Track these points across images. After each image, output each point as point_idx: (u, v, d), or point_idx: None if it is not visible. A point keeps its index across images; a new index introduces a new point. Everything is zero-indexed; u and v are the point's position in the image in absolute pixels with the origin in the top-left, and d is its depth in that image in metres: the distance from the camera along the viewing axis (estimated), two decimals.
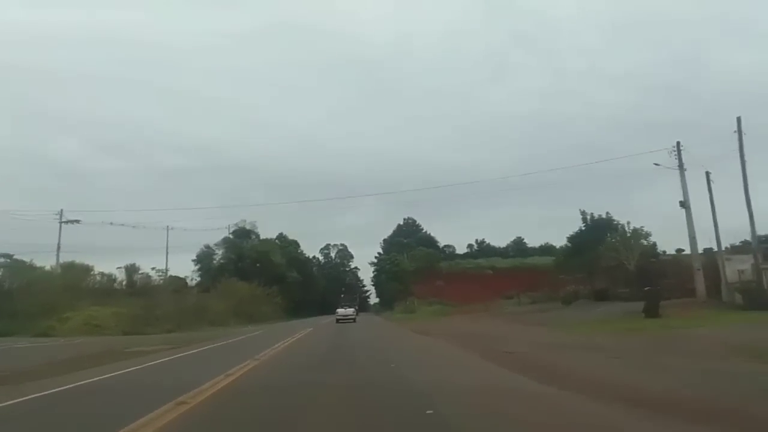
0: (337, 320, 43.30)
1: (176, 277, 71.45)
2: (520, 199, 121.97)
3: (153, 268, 66.39)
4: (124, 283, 61.54)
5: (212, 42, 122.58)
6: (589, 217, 32.98)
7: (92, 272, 55.31)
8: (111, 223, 56.94)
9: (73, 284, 48.87)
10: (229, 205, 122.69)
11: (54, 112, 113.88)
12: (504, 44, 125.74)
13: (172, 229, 71.41)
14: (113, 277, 55.93)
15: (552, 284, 41.33)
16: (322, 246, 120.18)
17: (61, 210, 48.86)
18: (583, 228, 32.53)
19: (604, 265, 28.90)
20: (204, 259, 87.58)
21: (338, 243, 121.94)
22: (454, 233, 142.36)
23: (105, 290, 53.66)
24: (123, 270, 62.35)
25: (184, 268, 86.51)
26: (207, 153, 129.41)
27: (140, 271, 64.75)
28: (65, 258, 54.49)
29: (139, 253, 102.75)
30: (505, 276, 68.28)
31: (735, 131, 25.52)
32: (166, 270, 69.19)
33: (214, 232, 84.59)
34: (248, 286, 66.31)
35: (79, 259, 54.61)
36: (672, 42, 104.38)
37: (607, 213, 33.05)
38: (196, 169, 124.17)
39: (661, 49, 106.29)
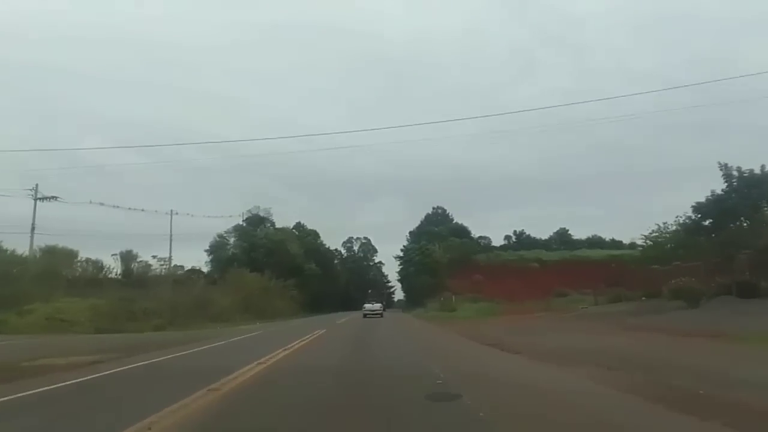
0: (365, 315, 44.21)
1: (180, 267, 64.10)
2: (563, 191, 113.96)
3: (154, 257, 58.63)
4: (118, 272, 54.22)
5: (232, 42, 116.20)
6: (735, 172, 21.97)
7: (77, 258, 47.76)
8: (101, 204, 49.22)
9: (51, 271, 41.43)
10: (246, 197, 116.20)
11: (74, 110, 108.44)
12: (528, 42, 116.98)
13: (176, 214, 63.97)
14: (101, 264, 48.02)
15: (635, 278, 32.10)
16: (345, 240, 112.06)
17: (36, 185, 41.32)
18: (726, 189, 21.97)
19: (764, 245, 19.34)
20: (217, 249, 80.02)
21: (361, 236, 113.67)
22: (487, 226, 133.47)
23: (92, 279, 46.26)
24: (118, 257, 55.06)
25: (199, 260, 79.50)
26: (227, 151, 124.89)
27: (138, 259, 57.36)
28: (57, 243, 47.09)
29: (148, 242, 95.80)
30: (555, 270, 58.92)
31: None
32: (170, 258, 61.47)
33: (227, 219, 76.88)
34: (260, 278, 58.23)
35: (77, 247, 47.15)
36: (698, 40, 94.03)
37: (763, 166, 21.94)
38: (216, 166, 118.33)
39: (686, 47, 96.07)
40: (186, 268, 67.60)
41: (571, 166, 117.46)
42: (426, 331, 23.52)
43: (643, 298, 30.56)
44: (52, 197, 41.58)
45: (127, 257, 55.40)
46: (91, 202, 47.72)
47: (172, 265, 61.82)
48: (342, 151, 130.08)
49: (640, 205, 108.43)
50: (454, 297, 47.50)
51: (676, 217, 29.52)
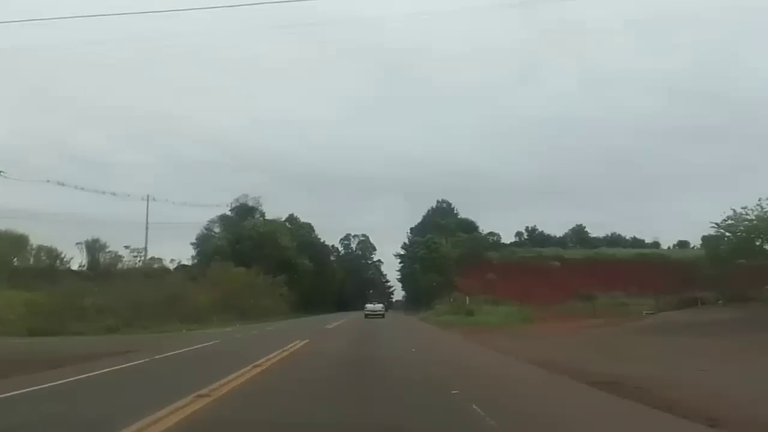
0: (366, 315, 44.93)
1: (158, 260, 57.28)
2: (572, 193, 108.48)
3: (126, 247, 51.71)
4: (82, 263, 47.62)
5: (234, 37, 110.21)
6: None
7: (29, 246, 40.99)
8: (62, 184, 42.41)
9: None
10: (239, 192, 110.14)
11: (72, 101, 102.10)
12: (530, 44, 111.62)
13: (153, 200, 57.18)
14: (56, 252, 41.26)
15: (705, 278, 25.67)
16: (342, 237, 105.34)
17: None
18: None
19: None
20: (204, 242, 73.31)
21: (359, 234, 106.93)
22: (494, 224, 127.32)
23: (44, 270, 39.65)
24: (83, 246, 48.38)
25: (179, 254, 73.04)
26: (226, 147, 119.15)
27: (108, 249, 50.59)
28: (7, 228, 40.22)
29: (123, 233, 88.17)
30: (579, 270, 52.38)
31: None
32: (145, 250, 54.64)
33: (213, 209, 70.00)
34: (245, 273, 51.43)
35: (41, 235, 40.47)
36: (703, 45, 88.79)
37: None
38: (214, 162, 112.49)
39: (691, 53, 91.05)
40: (166, 262, 61.33)
41: (581, 168, 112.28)
42: (463, 350, 15.74)
43: (720, 302, 24.15)
44: None
45: (93, 247, 48.75)
46: (48, 180, 40.83)
47: (147, 257, 55.30)
48: (341, 147, 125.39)
49: (656, 208, 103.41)
50: (467, 298, 40.87)
51: (759, 199, 24.46)
